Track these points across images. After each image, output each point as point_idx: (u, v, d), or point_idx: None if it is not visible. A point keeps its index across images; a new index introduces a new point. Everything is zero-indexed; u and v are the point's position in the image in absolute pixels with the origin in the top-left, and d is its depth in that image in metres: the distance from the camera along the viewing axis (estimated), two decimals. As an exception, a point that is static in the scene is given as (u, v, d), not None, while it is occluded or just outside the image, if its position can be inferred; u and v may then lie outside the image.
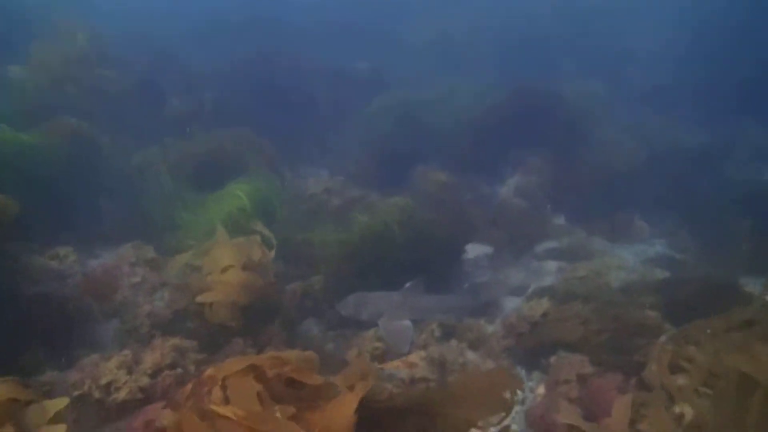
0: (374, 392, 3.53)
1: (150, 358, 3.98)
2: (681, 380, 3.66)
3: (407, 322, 5.78)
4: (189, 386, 3.45)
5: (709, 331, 3.77)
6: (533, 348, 5.19)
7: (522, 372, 5.30)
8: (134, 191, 8.17)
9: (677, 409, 3.35)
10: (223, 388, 3.26)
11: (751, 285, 5.66)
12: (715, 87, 14.45)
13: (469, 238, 7.75)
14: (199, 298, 5.01)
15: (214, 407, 3.00)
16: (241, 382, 3.25)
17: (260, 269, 5.66)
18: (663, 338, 4.06)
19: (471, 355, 5.45)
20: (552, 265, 7.70)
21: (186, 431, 2.96)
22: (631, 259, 7.96)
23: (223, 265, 5.34)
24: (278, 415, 3.11)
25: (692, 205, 9.17)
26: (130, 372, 3.86)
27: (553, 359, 4.87)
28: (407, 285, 6.31)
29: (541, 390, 4.87)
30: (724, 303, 4.95)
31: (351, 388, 3.49)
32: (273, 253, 5.94)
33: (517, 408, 4.75)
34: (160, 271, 5.86)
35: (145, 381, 3.88)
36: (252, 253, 5.66)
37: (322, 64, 15.12)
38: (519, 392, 5.04)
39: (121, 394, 3.79)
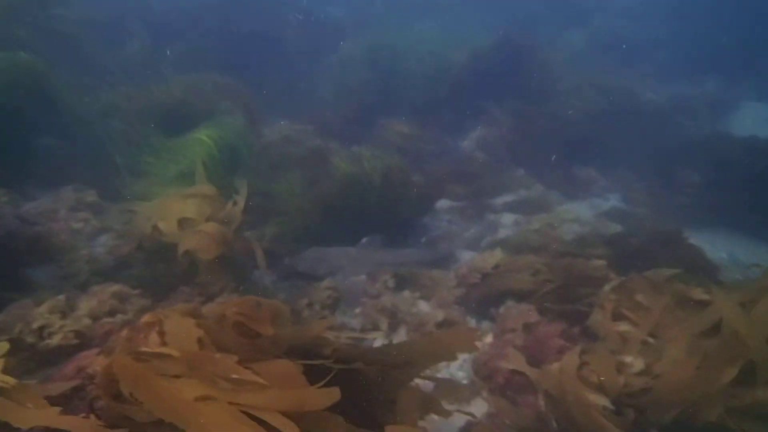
0: (322, 343, 3.49)
1: (86, 304, 3.82)
2: (623, 327, 3.74)
3: (363, 277, 5.77)
4: (124, 332, 3.34)
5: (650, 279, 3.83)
6: (484, 298, 5.22)
7: (473, 322, 5.36)
8: (93, 134, 7.64)
9: (627, 359, 3.40)
10: (161, 333, 3.14)
11: (695, 237, 5.80)
12: (683, 44, 14.56)
13: (430, 192, 7.71)
14: (181, 246, 4.86)
15: (146, 348, 2.86)
16: (181, 326, 3.13)
17: (228, 221, 5.49)
18: (607, 287, 4.11)
19: (423, 306, 5.48)
20: (509, 218, 7.73)
21: (118, 374, 2.80)
22: (585, 212, 8.08)
23: (190, 214, 5.16)
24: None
25: (647, 159, 9.30)
26: (64, 317, 3.70)
27: (502, 309, 4.91)
28: (363, 240, 6.25)
29: (488, 339, 4.93)
30: (669, 254, 5.10)
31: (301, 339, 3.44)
32: (242, 205, 5.75)
33: (464, 356, 4.83)
34: (104, 216, 5.60)
35: (80, 326, 3.73)
36: (221, 204, 5.49)
37: (292, 8, 14.50)
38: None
39: (55, 340, 3.63)
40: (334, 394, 2.72)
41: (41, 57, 7.61)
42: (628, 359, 3.26)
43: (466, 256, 6.68)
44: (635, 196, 8.72)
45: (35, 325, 3.63)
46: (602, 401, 3.04)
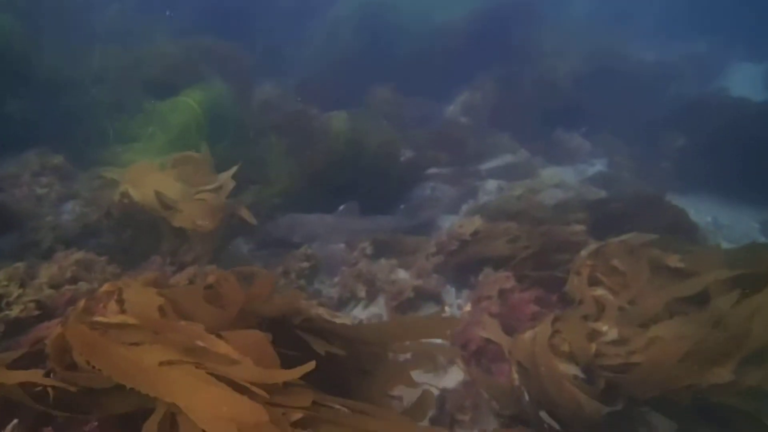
0: (293, 313, 3.39)
1: (46, 272, 3.68)
2: (599, 292, 3.65)
3: (341, 245, 5.66)
4: (82, 302, 3.21)
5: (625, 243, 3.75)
6: (462, 265, 5.13)
7: (451, 290, 5.29)
8: (71, 98, 7.36)
9: (602, 327, 3.31)
10: (120, 302, 3.02)
11: (679, 201, 5.72)
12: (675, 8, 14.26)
13: (415, 160, 7.58)
14: (180, 216, 4.75)
15: (101, 318, 2.74)
16: (141, 294, 3.00)
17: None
18: (583, 252, 4.02)
19: (402, 274, 5.39)
20: (492, 184, 7.63)
21: (72, 343, 2.66)
22: (569, 178, 8.00)
23: (172, 183, 5.00)
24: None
25: (633, 123, 9.17)
26: (23, 286, 3.56)
27: (480, 276, 4.83)
28: (341, 207, 6.12)
29: (468, 307, 4.87)
30: (651, 217, 5.02)
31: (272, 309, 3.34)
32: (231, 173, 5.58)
33: (444, 325, 4.78)
34: (73, 182, 5.41)
35: (41, 296, 3.59)
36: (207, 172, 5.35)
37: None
38: (447, 308, 5.05)
39: (15, 311, 3.50)
40: (307, 367, 2.65)
41: (24, 18, 7.29)
42: (603, 328, 3.18)
43: (447, 222, 6.59)
44: (620, 161, 8.64)
45: (-8, 296, 3.50)
46: (572, 370, 2.97)
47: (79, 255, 4.06)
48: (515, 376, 3.31)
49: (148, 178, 4.99)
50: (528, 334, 3.33)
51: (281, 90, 9.27)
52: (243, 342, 2.81)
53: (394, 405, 3.70)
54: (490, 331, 3.80)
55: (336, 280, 5.35)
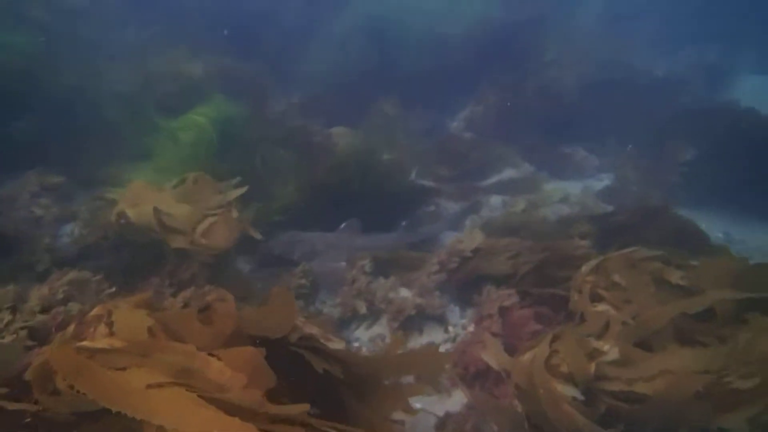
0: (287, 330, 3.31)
1: (37, 294, 3.62)
2: (601, 308, 3.54)
3: (342, 263, 5.57)
4: (71, 327, 3.15)
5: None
6: (465, 282, 5.04)
7: (456, 309, 5.17)
8: (89, 117, 7.20)
9: (602, 346, 3.19)
10: (109, 325, 2.95)
11: (688, 213, 5.59)
12: (684, 12, 14.09)
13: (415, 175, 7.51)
14: (177, 243, 4.74)
15: (86, 343, 2.66)
16: (130, 316, 2.94)
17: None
18: (585, 268, 3.90)
19: (403, 292, 5.29)
20: (496, 199, 7.54)
21: (56, 367, 2.57)
22: (575, 191, 7.86)
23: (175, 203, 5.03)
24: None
25: (641, 134, 8.99)
26: (14, 311, 3.52)
27: (483, 294, 4.73)
28: (342, 225, 6.07)
29: (471, 327, 4.76)
30: (656, 229, 4.89)
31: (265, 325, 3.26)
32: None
33: (447, 345, 4.68)
34: (73, 202, 5.39)
35: (34, 321, 3.53)
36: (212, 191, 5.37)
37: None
38: (450, 329, 4.94)
39: (7, 339, 3.43)
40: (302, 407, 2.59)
41: (39, 36, 7.27)
42: (605, 347, 3.06)
43: (450, 239, 6.49)
44: (628, 174, 8.46)
45: (-19, 324, 3.45)
46: (571, 392, 2.85)
47: (72, 275, 4.01)
48: (516, 400, 3.19)
49: (146, 198, 4.98)
50: (527, 356, 3.22)
51: (285, 106, 9.24)
52: (236, 359, 2.73)
53: (396, 430, 3.60)
54: (490, 353, 3.69)
55: (337, 299, 5.25)
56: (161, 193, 5.21)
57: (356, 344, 4.79)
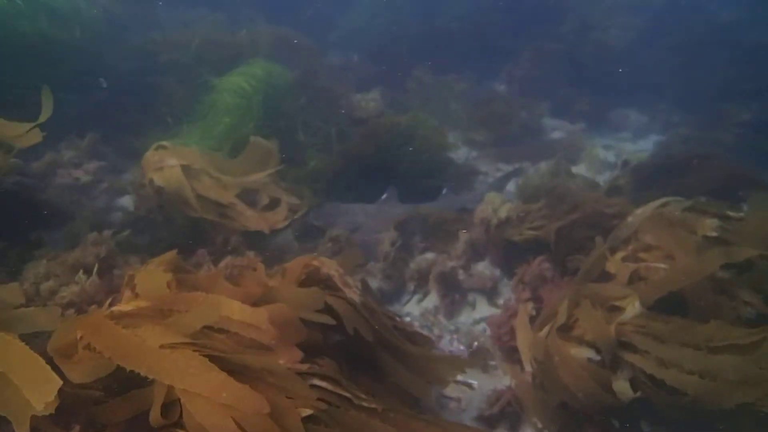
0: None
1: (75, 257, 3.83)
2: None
3: (384, 234, 5.45)
4: (107, 301, 3.26)
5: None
6: (508, 250, 4.90)
7: (503, 279, 5.00)
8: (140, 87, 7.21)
9: (622, 303, 3.05)
10: (133, 288, 3.06)
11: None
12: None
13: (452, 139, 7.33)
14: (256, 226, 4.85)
15: (113, 309, 2.75)
16: (151, 276, 3.02)
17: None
18: (621, 230, 3.69)
19: (450, 263, 5.09)
20: (539, 162, 7.25)
21: (79, 329, 2.64)
22: (623, 150, 7.45)
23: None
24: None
25: (695, 91, 8.36)
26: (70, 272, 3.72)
27: (519, 265, 4.59)
28: (383, 196, 6.03)
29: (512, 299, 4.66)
30: (701, 177, 4.60)
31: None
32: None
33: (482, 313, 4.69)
34: (119, 174, 5.55)
35: (78, 288, 3.70)
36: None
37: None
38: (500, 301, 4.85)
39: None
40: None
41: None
42: (624, 303, 2.92)
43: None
44: (680, 133, 7.93)
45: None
46: (585, 353, 2.75)
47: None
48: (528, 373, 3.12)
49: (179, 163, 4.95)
50: (545, 329, 3.13)
51: (325, 72, 9.08)
52: (268, 313, 2.76)
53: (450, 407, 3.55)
54: (519, 327, 3.61)
55: (379, 269, 5.17)
56: (201, 158, 5.19)
57: (407, 318, 4.73)
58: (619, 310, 2.96)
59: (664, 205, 3.62)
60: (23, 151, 5.03)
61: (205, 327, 2.59)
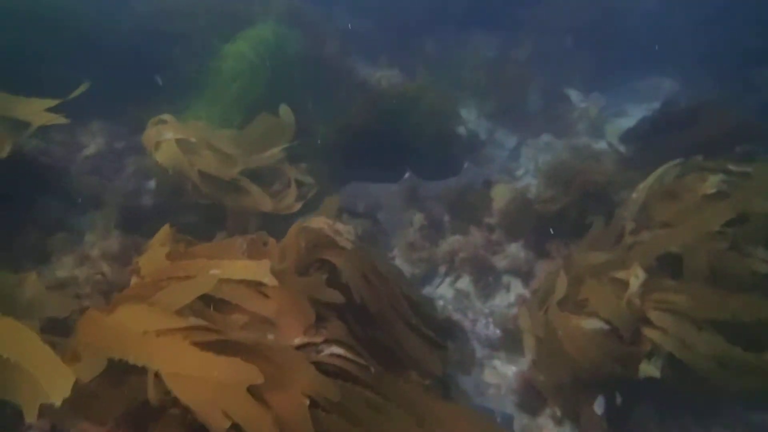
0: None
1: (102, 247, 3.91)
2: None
3: (408, 215, 5.47)
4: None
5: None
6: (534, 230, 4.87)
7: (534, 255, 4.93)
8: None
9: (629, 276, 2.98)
10: (138, 272, 3.08)
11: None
12: None
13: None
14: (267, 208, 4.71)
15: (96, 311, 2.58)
16: (149, 254, 3.06)
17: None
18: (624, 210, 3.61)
19: (479, 239, 5.11)
20: (547, 136, 7.21)
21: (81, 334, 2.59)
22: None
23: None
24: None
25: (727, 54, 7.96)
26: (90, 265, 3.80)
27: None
28: (405, 176, 5.95)
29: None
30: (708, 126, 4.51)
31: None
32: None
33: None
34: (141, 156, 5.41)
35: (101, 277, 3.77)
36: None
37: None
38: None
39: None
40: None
41: None
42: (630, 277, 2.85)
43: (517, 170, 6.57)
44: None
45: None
46: (593, 324, 2.70)
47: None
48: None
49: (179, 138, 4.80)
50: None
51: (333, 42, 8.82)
52: (282, 296, 2.74)
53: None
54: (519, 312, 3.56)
55: (413, 255, 5.15)
56: (203, 130, 5.07)
57: (440, 302, 4.71)
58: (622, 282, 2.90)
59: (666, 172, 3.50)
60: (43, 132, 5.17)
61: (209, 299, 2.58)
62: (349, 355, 2.57)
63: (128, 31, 6.91)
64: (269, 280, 2.59)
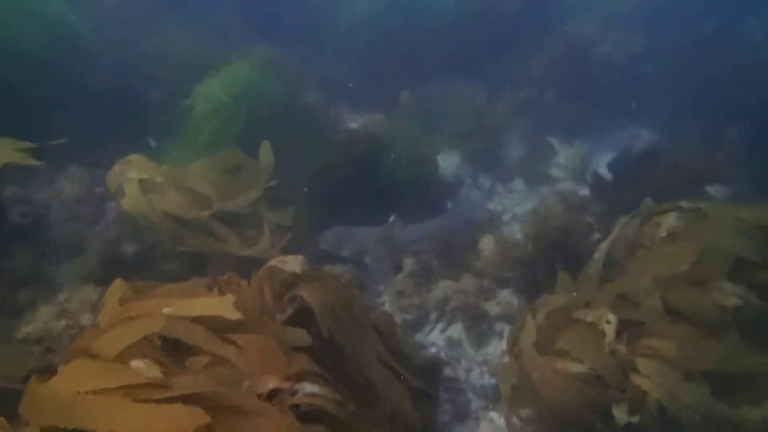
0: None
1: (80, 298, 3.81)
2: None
3: (395, 259, 5.42)
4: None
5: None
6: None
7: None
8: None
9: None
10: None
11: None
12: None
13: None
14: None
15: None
16: (106, 305, 2.91)
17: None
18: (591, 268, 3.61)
19: (469, 285, 5.03)
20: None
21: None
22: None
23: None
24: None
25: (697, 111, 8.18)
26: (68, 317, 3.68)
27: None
28: (391, 219, 5.90)
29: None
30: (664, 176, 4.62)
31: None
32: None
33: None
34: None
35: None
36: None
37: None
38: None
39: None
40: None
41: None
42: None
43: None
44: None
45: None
46: (578, 368, 2.62)
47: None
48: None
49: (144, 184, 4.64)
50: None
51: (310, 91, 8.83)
52: (250, 342, 2.62)
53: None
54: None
55: (396, 299, 5.05)
56: (169, 171, 4.89)
57: (433, 349, 4.57)
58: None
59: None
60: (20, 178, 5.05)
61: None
62: (323, 391, 2.45)
63: (108, 75, 6.93)
64: (232, 314, 2.47)
